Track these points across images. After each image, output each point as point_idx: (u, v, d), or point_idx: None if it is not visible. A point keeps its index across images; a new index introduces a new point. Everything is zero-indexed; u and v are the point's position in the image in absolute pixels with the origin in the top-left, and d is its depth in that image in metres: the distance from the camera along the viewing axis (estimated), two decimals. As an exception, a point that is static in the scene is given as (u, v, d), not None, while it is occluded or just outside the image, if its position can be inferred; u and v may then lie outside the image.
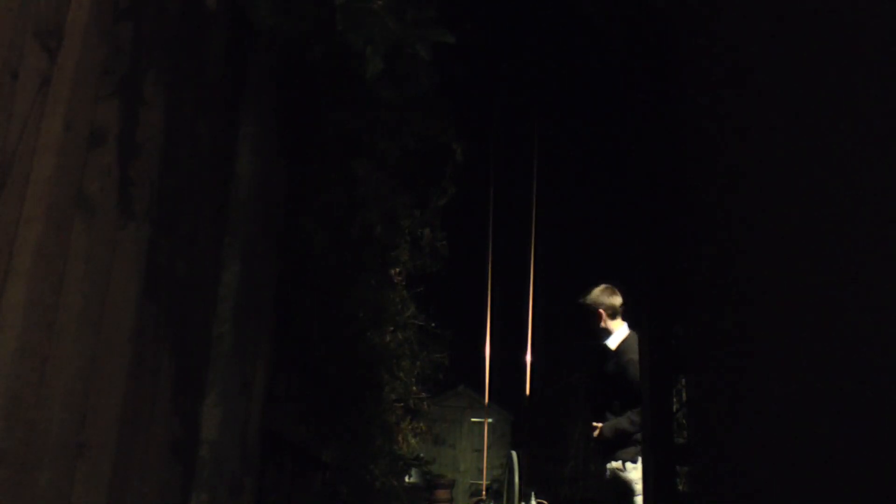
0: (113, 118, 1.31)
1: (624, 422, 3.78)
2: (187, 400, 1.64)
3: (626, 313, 4.07)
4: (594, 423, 3.92)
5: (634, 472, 3.77)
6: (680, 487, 3.13)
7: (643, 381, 3.04)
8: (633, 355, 3.72)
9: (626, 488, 3.79)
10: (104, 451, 1.29)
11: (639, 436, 3.76)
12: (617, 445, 3.84)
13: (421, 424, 6.08)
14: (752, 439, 2.20)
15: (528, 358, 13.08)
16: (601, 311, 3.85)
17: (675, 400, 3.34)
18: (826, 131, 1.85)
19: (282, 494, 2.39)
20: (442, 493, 8.72)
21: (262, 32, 1.91)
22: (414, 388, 5.62)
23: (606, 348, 3.82)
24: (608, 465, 3.83)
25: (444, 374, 6.32)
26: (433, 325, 5.72)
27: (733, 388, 2.41)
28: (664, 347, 3.17)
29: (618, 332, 3.85)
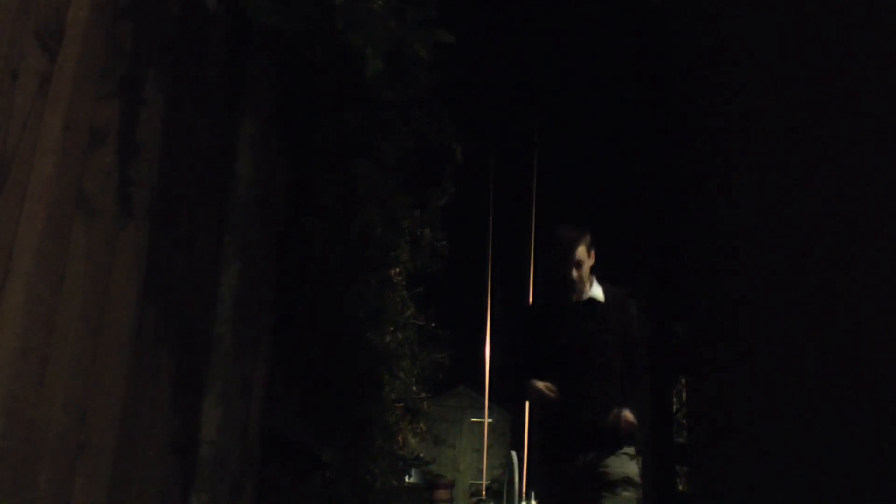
0: (113, 118, 1.31)
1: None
2: (187, 400, 1.64)
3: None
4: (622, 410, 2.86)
5: (635, 464, 2.99)
6: (680, 487, 3.12)
7: (643, 381, 3.04)
8: (634, 311, 3.06)
9: (634, 482, 2.93)
10: (104, 451, 1.29)
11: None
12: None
13: (421, 424, 6.08)
14: (752, 439, 2.20)
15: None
16: (594, 253, 3.07)
17: (675, 400, 3.34)
18: (828, 130, 1.85)
19: (282, 494, 2.39)
20: (442, 493, 8.72)
21: (262, 32, 1.91)
22: (414, 388, 5.62)
23: (593, 302, 3.03)
24: (624, 451, 2.94)
25: (444, 374, 6.32)
26: (433, 325, 5.72)
27: (733, 387, 2.41)
28: (664, 347, 3.17)
29: (596, 283, 3.10)
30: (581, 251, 2.95)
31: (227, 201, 1.86)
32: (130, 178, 1.36)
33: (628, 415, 2.78)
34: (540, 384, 2.86)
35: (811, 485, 1.85)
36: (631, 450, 2.89)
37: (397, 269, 4.52)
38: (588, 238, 2.98)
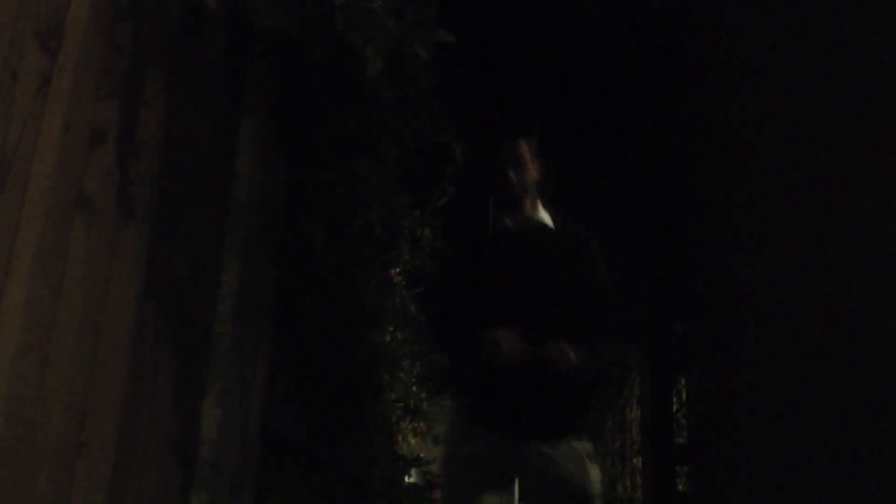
0: (113, 118, 1.31)
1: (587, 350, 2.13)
2: (187, 400, 1.64)
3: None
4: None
5: (595, 470, 2.16)
6: (680, 487, 3.13)
7: (643, 381, 3.04)
8: (596, 245, 2.29)
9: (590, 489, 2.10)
10: (104, 451, 1.29)
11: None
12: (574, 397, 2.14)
13: (421, 424, 6.08)
14: (752, 438, 2.20)
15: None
16: (540, 167, 2.32)
17: (674, 400, 3.34)
18: (829, 130, 1.85)
19: (282, 494, 2.39)
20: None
21: (262, 32, 1.91)
22: (414, 388, 5.62)
23: (541, 231, 2.26)
24: (572, 445, 2.11)
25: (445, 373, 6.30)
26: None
27: (733, 387, 2.41)
28: (664, 347, 3.17)
29: (543, 210, 2.32)
30: (523, 151, 2.26)
31: (227, 201, 1.86)
32: (130, 178, 1.36)
33: (564, 347, 2.05)
34: (505, 332, 2.02)
35: (812, 485, 1.85)
36: (586, 444, 2.14)
37: (397, 269, 4.52)
38: (532, 144, 2.30)
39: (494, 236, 2.29)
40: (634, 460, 7.15)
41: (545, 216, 2.29)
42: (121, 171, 1.33)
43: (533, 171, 2.29)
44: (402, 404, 5.44)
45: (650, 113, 3.58)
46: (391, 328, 4.43)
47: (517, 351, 2.06)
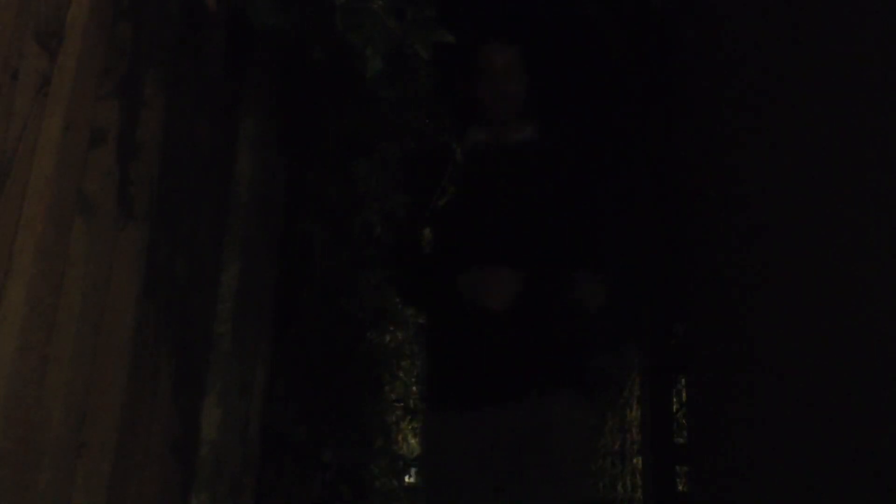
0: (113, 118, 1.31)
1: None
2: (187, 400, 1.64)
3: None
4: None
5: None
6: (680, 487, 3.13)
7: (643, 381, 3.05)
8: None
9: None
10: (104, 451, 1.29)
11: None
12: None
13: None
14: (752, 439, 2.20)
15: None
16: (526, 77, 1.96)
17: (675, 400, 3.34)
18: (828, 131, 1.85)
19: (282, 494, 2.39)
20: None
21: (261, 32, 1.91)
22: (414, 388, 5.63)
23: (523, 142, 1.92)
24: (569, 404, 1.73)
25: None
26: (433, 324, 5.70)
27: (733, 387, 2.41)
28: (664, 347, 3.18)
29: (522, 120, 2.00)
30: (504, 57, 1.89)
31: (227, 201, 1.86)
32: (130, 178, 1.36)
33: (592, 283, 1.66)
34: (494, 271, 1.66)
35: (812, 484, 1.85)
36: (584, 407, 1.76)
37: (397, 269, 4.51)
38: (515, 51, 1.93)
39: (468, 153, 1.96)
40: (634, 460, 7.15)
41: (527, 131, 1.99)
42: (121, 171, 1.33)
43: (515, 81, 1.96)
44: (402, 404, 5.44)
45: (648, 112, 3.58)
46: (391, 328, 4.42)
47: (509, 292, 1.70)
